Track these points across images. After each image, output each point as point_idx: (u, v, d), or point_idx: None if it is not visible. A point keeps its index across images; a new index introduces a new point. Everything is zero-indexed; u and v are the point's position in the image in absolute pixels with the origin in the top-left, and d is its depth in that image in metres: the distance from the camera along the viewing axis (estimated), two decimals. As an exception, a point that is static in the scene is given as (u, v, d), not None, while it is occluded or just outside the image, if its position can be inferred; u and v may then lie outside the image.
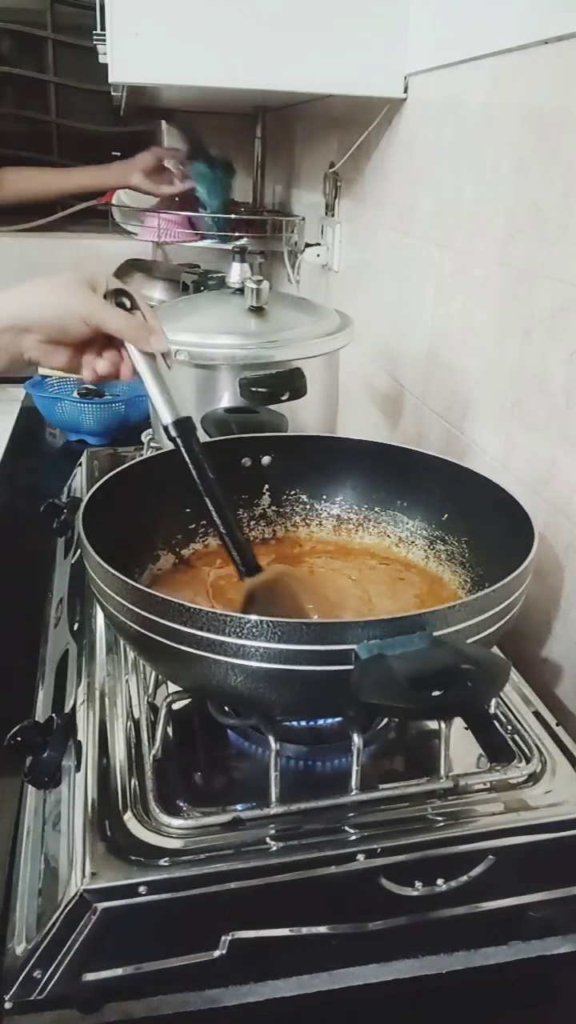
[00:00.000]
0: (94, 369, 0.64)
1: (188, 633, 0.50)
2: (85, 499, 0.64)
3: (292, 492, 0.81)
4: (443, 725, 0.57)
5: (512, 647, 0.81)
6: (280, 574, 0.68)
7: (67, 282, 0.61)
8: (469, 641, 0.51)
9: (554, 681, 0.78)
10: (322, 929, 0.54)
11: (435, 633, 0.49)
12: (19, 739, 0.60)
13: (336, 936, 0.54)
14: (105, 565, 0.55)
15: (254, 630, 0.48)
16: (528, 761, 0.59)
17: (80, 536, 0.59)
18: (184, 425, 0.63)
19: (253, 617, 0.48)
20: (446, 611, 0.50)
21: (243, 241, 1.16)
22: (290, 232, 1.78)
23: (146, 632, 0.53)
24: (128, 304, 0.64)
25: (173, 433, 0.63)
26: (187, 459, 0.63)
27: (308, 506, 0.81)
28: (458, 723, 0.64)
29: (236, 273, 1.02)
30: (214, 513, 0.64)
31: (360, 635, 0.48)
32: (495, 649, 0.72)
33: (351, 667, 0.48)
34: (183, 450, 0.63)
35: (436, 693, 0.44)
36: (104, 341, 0.64)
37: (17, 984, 0.49)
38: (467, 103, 0.93)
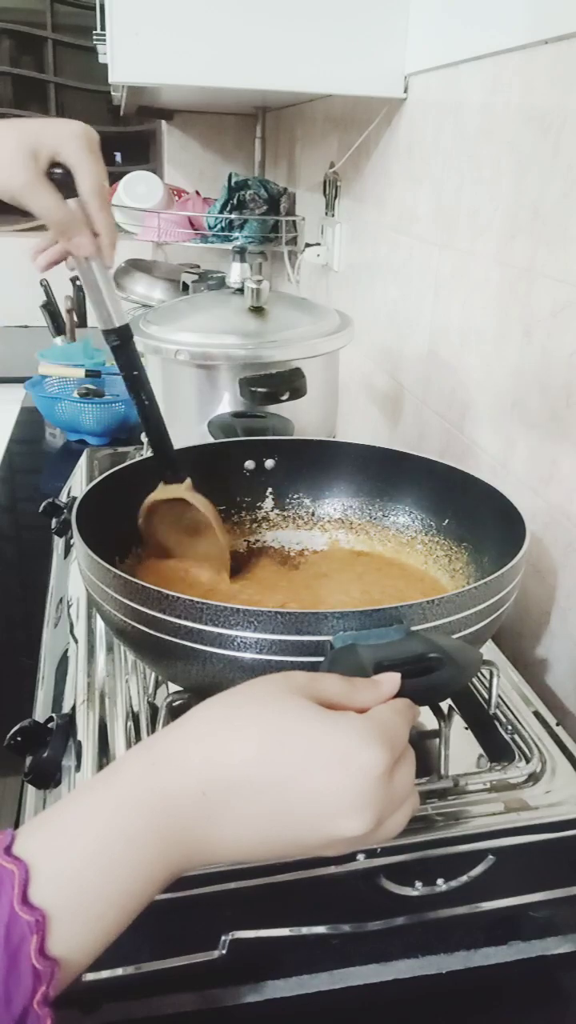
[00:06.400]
0: (36, 255, 0.62)
1: (166, 621, 0.50)
2: (82, 493, 0.64)
3: (295, 496, 0.81)
4: (443, 725, 0.57)
5: (512, 647, 0.81)
6: (196, 499, 0.69)
7: (6, 147, 0.55)
8: (454, 637, 0.51)
9: (554, 681, 0.78)
10: (322, 929, 0.54)
11: (413, 627, 0.49)
12: (19, 739, 0.60)
13: (336, 936, 0.54)
14: (91, 553, 0.55)
15: (231, 619, 0.48)
16: (528, 761, 0.59)
17: (72, 527, 0.59)
18: (123, 332, 0.63)
19: (230, 606, 0.48)
20: (424, 605, 0.50)
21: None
22: (290, 232, 1.78)
23: (128, 620, 0.53)
24: (71, 185, 0.57)
25: (113, 340, 0.63)
26: (123, 360, 0.64)
27: (310, 510, 0.81)
28: (458, 723, 0.64)
29: (236, 273, 1.02)
30: (145, 408, 0.65)
31: (336, 626, 0.48)
32: (490, 647, 0.72)
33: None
34: (121, 352, 0.63)
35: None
36: None
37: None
38: (467, 103, 0.93)
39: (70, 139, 0.56)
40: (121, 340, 0.63)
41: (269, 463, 0.80)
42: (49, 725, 0.62)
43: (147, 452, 1.04)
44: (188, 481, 0.69)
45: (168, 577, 0.71)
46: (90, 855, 0.35)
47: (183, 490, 0.69)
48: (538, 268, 0.78)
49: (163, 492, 0.69)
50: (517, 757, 0.60)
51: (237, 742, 0.38)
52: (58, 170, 0.57)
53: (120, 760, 0.39)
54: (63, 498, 1.06)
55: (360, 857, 0.51)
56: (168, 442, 0.68)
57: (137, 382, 0.65)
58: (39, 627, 0.87)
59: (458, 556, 0.73)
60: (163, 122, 2.42)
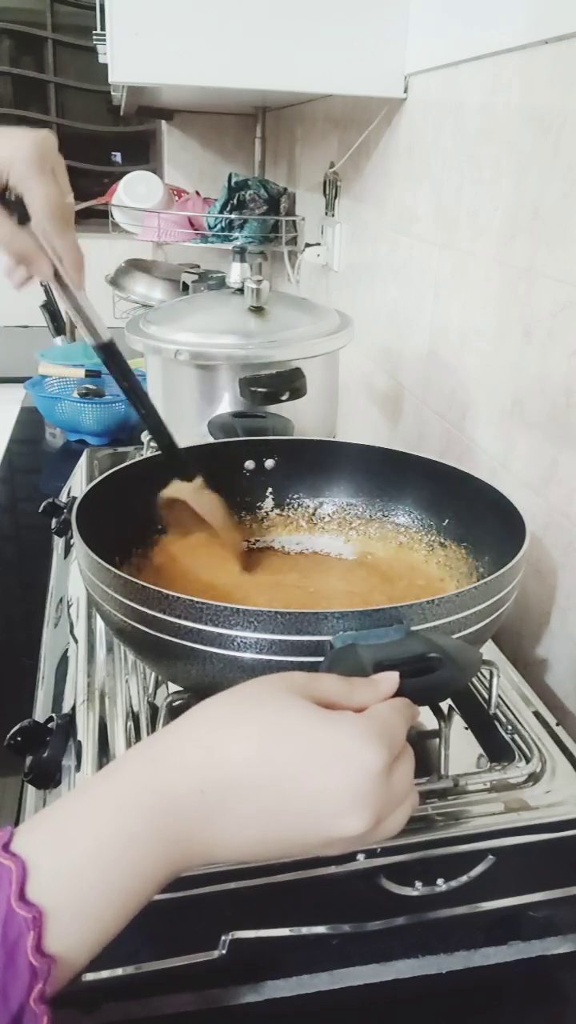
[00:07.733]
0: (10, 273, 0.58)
1: (166, 621, 0.50)
2: (82, 493, 0.64)
3: (295, 496, 0.81)
4: (443, 725, 0.57)
5: (512, 647, 0.81)
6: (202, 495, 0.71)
7: None
8: (454, 637, 0.51)
9: (554, 681, 0.78)
10: (322, 929, 0.54)
11: (413, 627, 0.49)
12: (19, 739, 0.60)
13: (336, 936, 0.54)
14: (91, 553, 0.55)
15: (231, 619, 0.48)
16: (528, 761, 0.59)
17: (72, 527, 0.59)
18: (107, 348, 0.63)
19: (230, 606, 0.48)
20: (424, 605, 0.50)
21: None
22: (290, 232, 1.78)
23: (128, 620, 0.53)
24: (23, 208, 0.53)
25: (101, 356, 0.63)
26: (114, 372, 0.64)
27: (310, 510, 0.81)
28: (458, 723, 0.64)
29: (236, 273, 1.02)
30: (145, 414, 0.66)
31: (336, 626, 0.48)
32: (490, 647, 0.72)
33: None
34: (113, 368, 0.64)
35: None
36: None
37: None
38: (467, 103, 0.93)
39: (17, 160, 0.51)
40: (107, 355, 0.63)
41: (269, 463, 0.80)
42: (49, 725, 0.62)
43: (147, 452, 1.04)
44: (199, 481, 0.70)
45: (180, 562, 0.72)
46: (89, 853, 0.35)
47: (189, 491, 0.70)
48: (538, 268, 0.78)
49: (173, 490, 0.70)
50: (517, 757, 0.60)
51: (236, 742, 0.38)
52: (10, 194, 0.53)
53: (120, 759, 0.39)
54: (63, 498, 1.06)
55: (360, 857, 0.51)
56: (172, 442, 0.69)
57: (131, 392, 0.65)
58: (39, 627, 0.87)
59: (458, 555, 0.73)
60: (163, 122, 2.42)
